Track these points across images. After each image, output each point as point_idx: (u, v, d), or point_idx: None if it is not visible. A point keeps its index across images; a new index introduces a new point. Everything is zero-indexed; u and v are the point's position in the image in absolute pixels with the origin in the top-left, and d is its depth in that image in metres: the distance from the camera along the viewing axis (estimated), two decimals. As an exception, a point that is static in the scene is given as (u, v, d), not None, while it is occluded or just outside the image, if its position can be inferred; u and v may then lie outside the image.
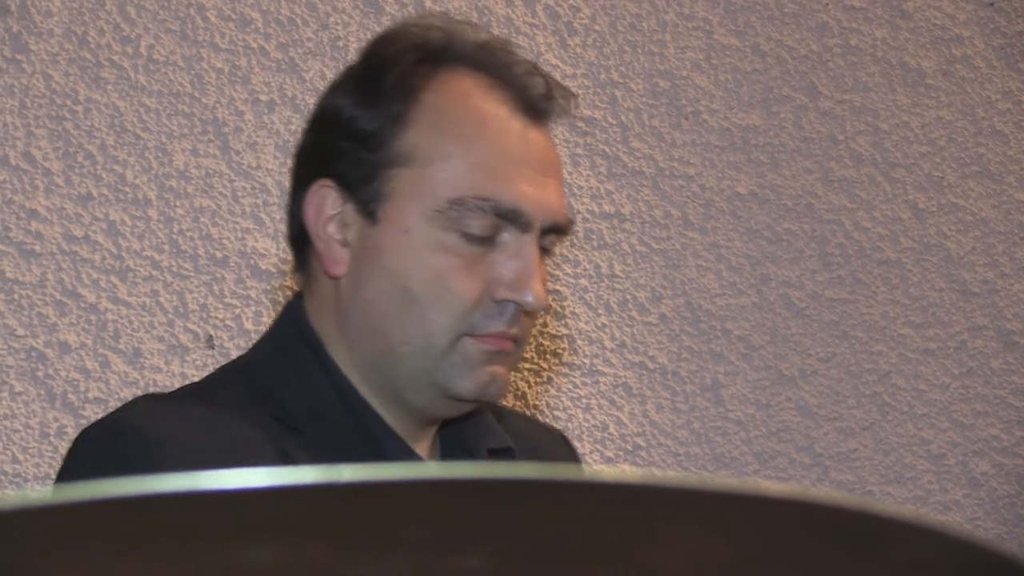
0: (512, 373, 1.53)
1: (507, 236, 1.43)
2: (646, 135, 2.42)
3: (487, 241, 1.43)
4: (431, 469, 0.49)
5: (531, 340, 2.33)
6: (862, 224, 2.55)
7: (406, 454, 1.47)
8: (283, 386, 1.45)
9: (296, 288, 1.54)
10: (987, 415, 2.61)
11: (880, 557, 0.55)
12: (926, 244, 2.59)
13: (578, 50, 2.37)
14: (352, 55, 2.21)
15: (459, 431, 1.54)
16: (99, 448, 1.39)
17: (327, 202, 1.46)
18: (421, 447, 1.50)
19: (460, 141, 1.44)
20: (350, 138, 1.46)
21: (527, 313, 1.44)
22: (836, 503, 0.52)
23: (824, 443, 2.51)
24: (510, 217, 1.43)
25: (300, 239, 1.49)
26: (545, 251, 1.47)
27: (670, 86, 2.43)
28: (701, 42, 2.46)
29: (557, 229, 1.47)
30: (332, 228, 1.46)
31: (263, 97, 2.16)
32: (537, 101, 1.48)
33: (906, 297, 2.57)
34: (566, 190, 2.36)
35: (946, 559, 0.55)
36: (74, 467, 1.41)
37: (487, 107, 1.45)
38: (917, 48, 2.60)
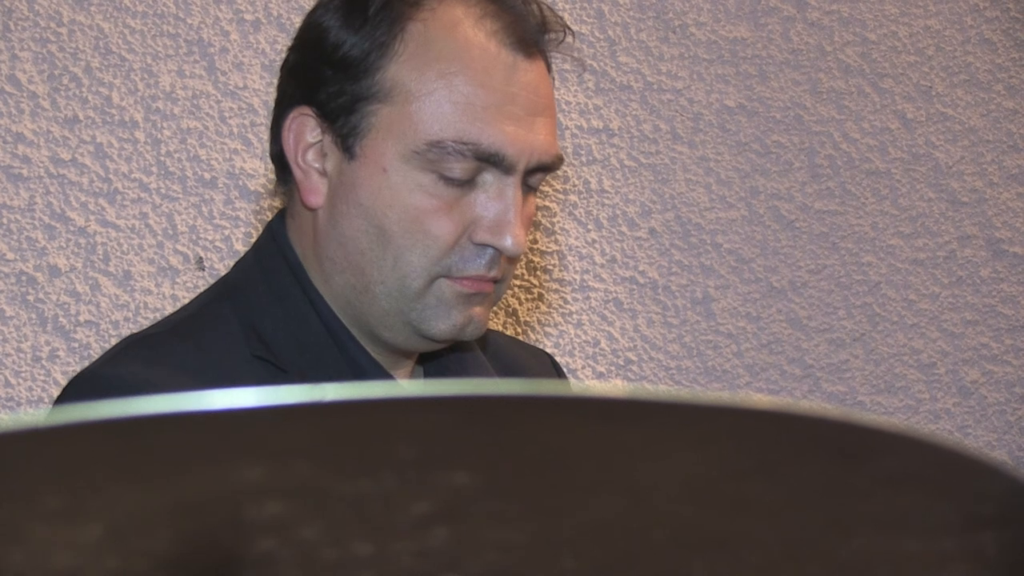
0: (499, 301, 1.52)
1: (489, 177, 1.40)
2: (633, 49, 2.40)
3: (467, 182, 1.39)
4: (414, 387, 0.49)
5: (521, 257, 2.33)
6: (851, 135, 2.54)
7: (387, 379, 1.46)
8: (266, 315, 1.43)
9: (280, 205, 1.52)
10: (977, 324, 2.62)
11: (866, 467, 0.56)
12: (915, 154, 2.59)
13: (564, -36, 2.36)
14: (336, -28, 2.19)
15: (444, 366, 1.53)
16: (84, 401, 1.38)
17: (306, 130, 1.43)
18: (400, 376, 1.50)
19: (443, 77, 1.38)
20: (333, 65, 1.41)
21: (508, 257, 1.41)
22: (821, 415, 0.52)
23: (815, 355, 2.52)
24: (491, 160, 1.39)
25: (282, 159, 1.47)
26: (532, 188, 1.44)
27: (657, -1, 2.42)
28: (688, -46, 2.44)
29: (544, 168, 1.43)
30: (311, 156, 1.43)
31: (248, 16, 2.14)
32: (531, 34, 1.42)
33: (895, 208, 2.57)
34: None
35: (931, 468, 0.56)
36: None
37: (475, 39, 1.40)
38: (906, -43, 2.58)
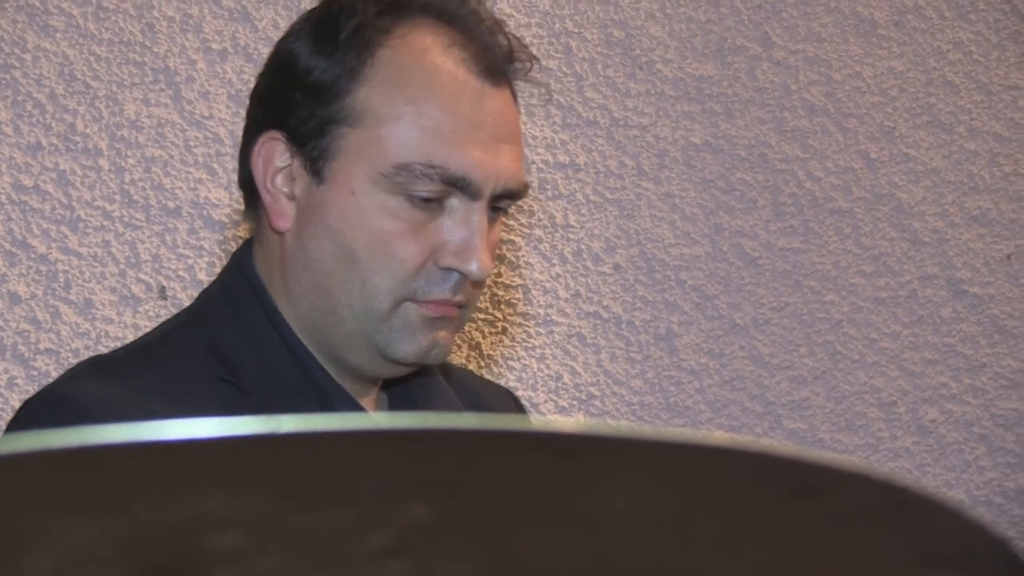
0: (464, 327, 1.53)
1: (455, 202, 1.41)
2: (600, 85, 2.41)
3: (434, 205, 1.40)
4: (371, 419, 0.49)
5: (485, 290, 2.33)
6: (815, 174, 2.56)
7: (355, 409, 1.46)
8: (231, 340, 1.44)
9: (248, 234, 1.53)
10: (936, 363, 2.64)
11: (819, 505, 0.56)
12: (877, 194, 2.61)
13: (532, -1, 2.37)
14: (305, 3, 2.20)
15: (409, 392, 1.53)
16: (40, 422, 1.38)
17: (275, 154, 1.44)
18: (364, 403, 1.50)
19: (411, 102, 1.40)
20: (303, 89, 1.43)
21: (473, 282, 1.43)
22: (773, 452, 0.53)
23: (776, 392, 2.53)
24: (458, 184, 1.40)
25: (250, 184, 1.47)
26: (500, 210, 1.46)
27: (624, 36, 2.43)
28: (655, -9, 2.46)
29: (510, 194, 1.45)
30: (280, 181, 1.44)
31: (215, 46, 2.14)
32: (498, 62, 1.44)
33: (857, 247, 2.59)
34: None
35: (884, 506, 0.56)
36: None
37: (444, 66, 1.41)
38: (870, -2, 2.60)
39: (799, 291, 2.54)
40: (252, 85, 2.05)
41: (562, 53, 2.39)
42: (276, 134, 1.44)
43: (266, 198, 1.45)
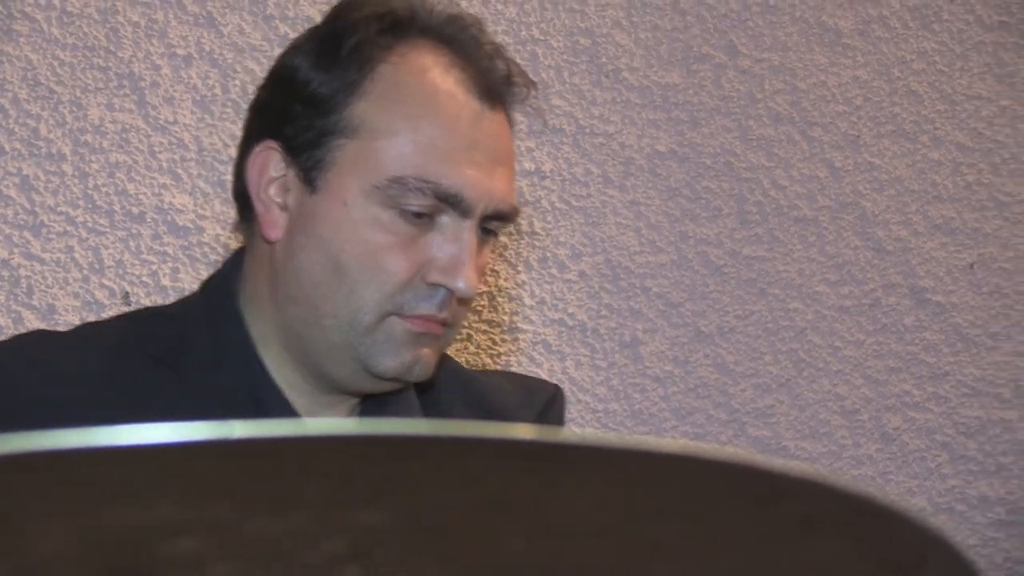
0: (448, 347, 1.53)
1: (446, 219, 1.42)
2: (566, 92, 2.42)
3: (425, 221, 1.41)
4: (321, 426, 0.49)
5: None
6: (779, 182, 2.57)
7: (283, 407, 1.47)
8: (186, 329, 1.46)
9: (239, 242, 1.54)
10: (899, 371, 2.65)
11: (774, 512, 0.56)
12: (842, 202, 2.62)
13: (499, 6, 2.37)
14: (270, 10, 2.19)
15: (383, 406, 1.53)
16: None
17: (270, 164, 1.45)
18: (340, 415, 1.50)
19: (409, 118, 1.41)
20: (302, 101, 1.44)
21: (460, 299, 1.43)
22: (733, 459, 0.53)
23: (741, 399, 2.53)
24: (450, 201, 1.41)
25: (243, 194, 1.48)
26: (490, 233, 1.47)
27: (590, 44, 2.43)
28: (622, 0, 2.46)
29: (501, 216, 1.46)
30: (273, 191, 1.45)
31: (180, 51, 2.14)
32: (496, 85, 1.46)
33: (822, 255, 2.60)
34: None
35: (839, 514, 0.56)
36: None
37: (443, 85, 1.43)
38: (835, 8, 2.61)
39: (764, 299, 2.55)
40: (216, 90, 2.05)
41: (528, 61, 2.39)
42: (272, 144, 1.45)
43: (259, 207, 1.46)
